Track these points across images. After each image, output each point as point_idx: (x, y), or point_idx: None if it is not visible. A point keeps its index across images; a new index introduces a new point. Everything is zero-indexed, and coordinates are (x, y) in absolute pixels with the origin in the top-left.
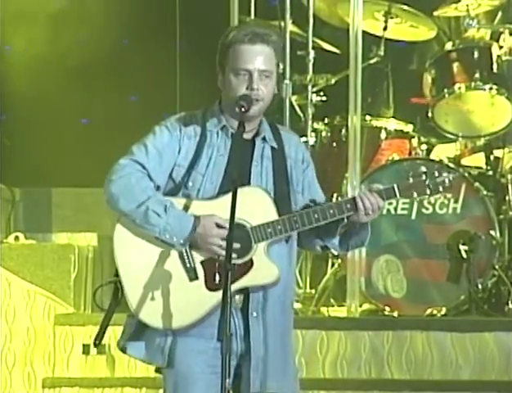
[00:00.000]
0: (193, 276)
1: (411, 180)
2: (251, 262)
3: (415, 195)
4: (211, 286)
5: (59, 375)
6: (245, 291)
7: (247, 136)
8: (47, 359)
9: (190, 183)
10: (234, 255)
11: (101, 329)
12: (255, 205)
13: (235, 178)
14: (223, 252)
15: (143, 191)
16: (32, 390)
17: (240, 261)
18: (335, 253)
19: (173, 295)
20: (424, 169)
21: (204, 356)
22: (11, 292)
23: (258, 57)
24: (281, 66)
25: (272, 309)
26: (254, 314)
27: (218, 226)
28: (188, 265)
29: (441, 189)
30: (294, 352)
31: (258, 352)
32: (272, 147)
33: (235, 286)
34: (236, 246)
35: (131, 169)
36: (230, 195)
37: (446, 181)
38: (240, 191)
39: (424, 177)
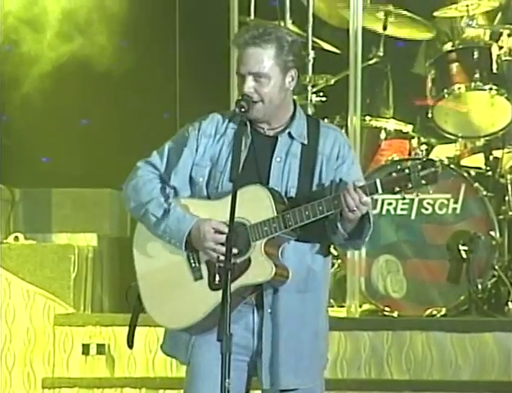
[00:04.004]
0: (198, 276)
1: (394, 175)
2: (249, 261)
3: (397, 189)
4: (212, 286)
5: (59, 375)
6: (259, 288)
7: (269, 133)
8: (47, 360)
9: (211, 181)
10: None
11: (130, 330)
12: (256, 204)
13: (235, 178)
14: (216, 255)
15: (148, 193)
16: (32, 390)
17: (238, 260)
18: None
19: (180, 295)
20: (408, 163)
21: (218, 349)
22: (11, 292)
23: (250, 61)
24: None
25: (288, 305)
26: (269, 310)
27: (215, 230)
28: (193, 265)
29: (423, 182)
30: (324, 347)
31: (268, 349)
32: (302, 144)
33: (233, 286)
34: (234, 251)
35: (143, 171)
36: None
37: (430, 175)
38: (243, 190)
39: (407, 171)
